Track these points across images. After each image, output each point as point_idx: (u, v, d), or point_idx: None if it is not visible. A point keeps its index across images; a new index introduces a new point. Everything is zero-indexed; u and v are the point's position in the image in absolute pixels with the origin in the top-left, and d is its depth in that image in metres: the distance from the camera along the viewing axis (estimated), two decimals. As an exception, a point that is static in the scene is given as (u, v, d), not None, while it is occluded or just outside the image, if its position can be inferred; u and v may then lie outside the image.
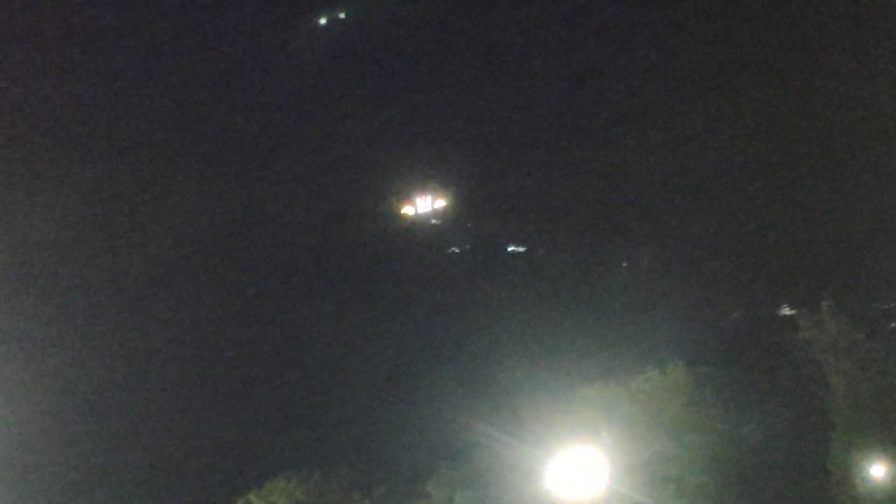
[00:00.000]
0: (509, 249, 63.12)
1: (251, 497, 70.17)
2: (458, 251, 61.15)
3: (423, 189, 61.10)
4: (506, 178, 73.29)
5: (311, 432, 77.40)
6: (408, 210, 61.68)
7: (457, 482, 60.28)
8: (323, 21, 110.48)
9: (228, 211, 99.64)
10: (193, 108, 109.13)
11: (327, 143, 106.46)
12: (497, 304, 65.66)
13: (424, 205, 60.52)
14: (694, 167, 70.76)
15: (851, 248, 67.15)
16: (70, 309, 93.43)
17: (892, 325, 61.86)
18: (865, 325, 55.07)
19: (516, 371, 59.11)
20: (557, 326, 61.98)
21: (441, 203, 60.74)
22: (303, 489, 68.49)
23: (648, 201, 65.59)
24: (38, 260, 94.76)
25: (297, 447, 74.07)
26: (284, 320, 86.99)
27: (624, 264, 64.29)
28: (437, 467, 61.69)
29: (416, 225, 61.04)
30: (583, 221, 67.07)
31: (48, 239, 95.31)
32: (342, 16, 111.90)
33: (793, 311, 63.00)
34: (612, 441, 52.23)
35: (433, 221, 60.41)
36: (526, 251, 62.71)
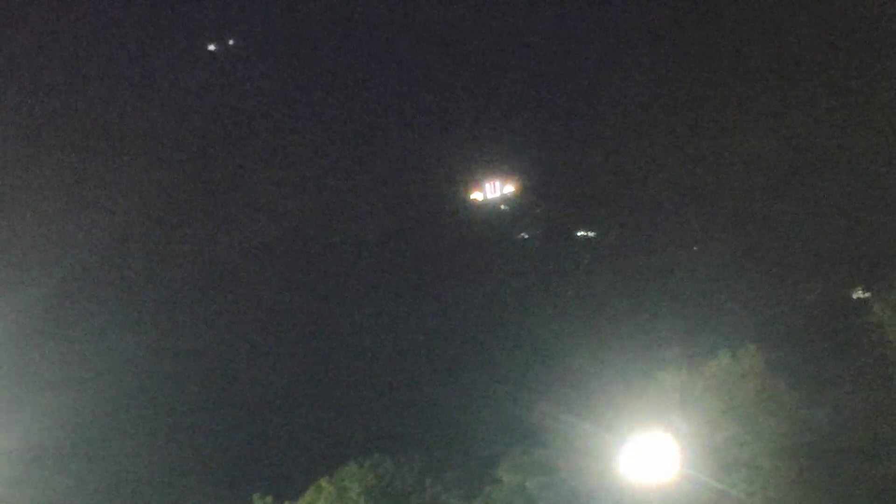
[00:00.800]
0: (578, 234, 63.85)
1: (323, 482, 71.55)
2: (526, 236, 61.79)
3: (493, 175, 61.95)
4: (576, 162, 74.94)
5: (383, 418, 79.27)
6: (476, 196, 62.67)
7: (529, 467, 60.67)
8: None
9: (311, 202, 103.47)
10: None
11: (401, 135, 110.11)
12: (568, 289, 66.56)
13: (493, 190, 61.32)
14: (765, 150, 71.35)
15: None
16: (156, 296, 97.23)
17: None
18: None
19: (589, 356, 59.43)
20: (629, 311, 62.60)
21: (510, 189, 61.42)
22: (374, 474, 69.51)
23: (719, 184, 66.25)
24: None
25: (370, 433, 75.92)
26: (360, 305, 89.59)
27: (695, 248, 64.74)
28: (509, 452, 62.26)
29: (485, 210, 61.84)
30: (653, 205, 67.80)
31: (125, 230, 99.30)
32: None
33: (866, 294, 62.83)
34: (685, 426, 51.86)
35: (502, 207, 61.10)
36: (596, 235, 63.25)
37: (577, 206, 66.38)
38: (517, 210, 60.49)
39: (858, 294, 66.40)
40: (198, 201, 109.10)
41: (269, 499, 74.33)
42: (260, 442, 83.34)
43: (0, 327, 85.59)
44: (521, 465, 60.81)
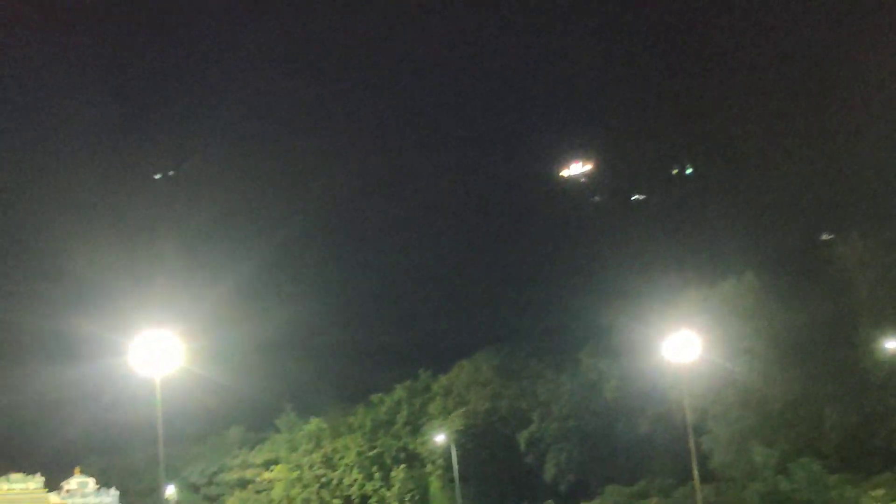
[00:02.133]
0: (633, 198, 78.61)
1: (464, 363, 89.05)
2: (598, 199, 76.15)
3: (575, 157, 74.49)
4: (630, 148, 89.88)
5: (505, 319, 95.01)
6: (565, 172, 75.13)
7: (601, 352, 75.86)
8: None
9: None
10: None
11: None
12: (626, 234, 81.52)
13: (577, 168, 74.30)
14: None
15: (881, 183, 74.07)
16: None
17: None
18: (885, 247, 64.70)
19: (638, 277, 73.32)
20: (667, 248, 76.25)
21: (588, 167, 73.40)
22: (497, 357, 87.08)
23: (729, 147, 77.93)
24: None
25: (497, 329, 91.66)
26: (497, 249, 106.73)
27: (709, 207, 77.38)
28: (588, 342, 77.46)
29: (571, 181, 75.21)
30: (684, 179, 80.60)
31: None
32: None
33: (830, 237, 73.73)
34: (705, 324, 60.61)
35: (582, 180, 74.37)
36: (645, 198, 77.55)
37: (632, 178, 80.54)
38: (592, 181, 73.61)
39: (824, 237, 75.59)
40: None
41: (428, 372, 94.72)
42: (424, 333, 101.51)
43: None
44: (595, 350, 75.72)
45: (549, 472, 75.44)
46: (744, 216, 74.55)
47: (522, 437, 77.05)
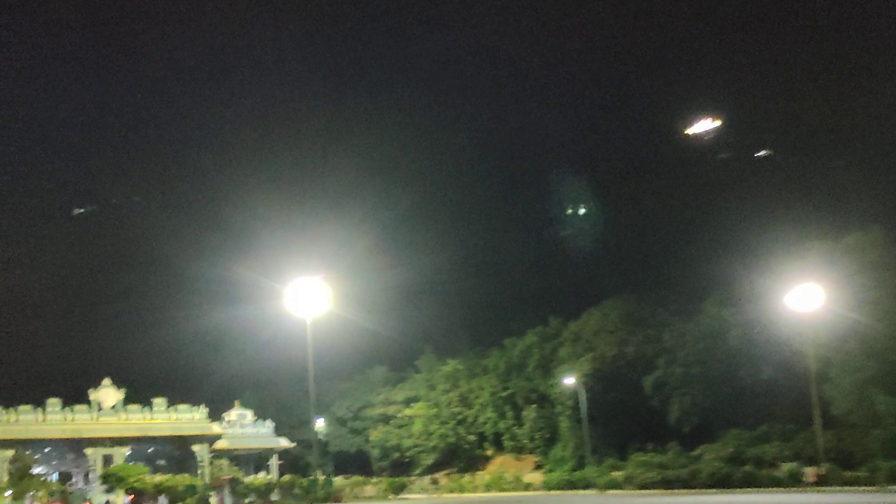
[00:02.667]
0: (756, 154, 78.53)
1: (593, 311, 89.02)
2: (723, 156, 76.68)
3: (702, 115, 75.16)
4: (760, 100, 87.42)
5: (633, 267, 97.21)
6: (690, 130, 75.84)
7: (725, 302, 77.45)
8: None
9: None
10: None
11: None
12: (751, 188, 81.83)
13: (702, 125, 74.92)
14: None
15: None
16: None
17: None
18: None
19: (763, 231, 73.32)
20: (792, 201, 76.76)
21: (715, 124, 73.81)
22: (625, 306, 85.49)
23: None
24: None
25: (624, 277, 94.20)
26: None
27: (835, 161, 76.64)
28: (712, 292, 79.10)
29: (697, 139, 76.00)
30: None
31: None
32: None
33: None
34: (828, 277, 64.70)
35: (705, 137, 75.05)
36: (769, 153, 77.43)
37: (756, 135, 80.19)
38: (718, 138, 73.65)
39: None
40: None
41: (559, 319, 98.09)
42: (555, 283, 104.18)
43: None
44: (720, 300, 77.40)
45: (673, 414, 77.77)
46: (870, 170, 73.54)
47: (648, 382, 79.27)
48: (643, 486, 70.55)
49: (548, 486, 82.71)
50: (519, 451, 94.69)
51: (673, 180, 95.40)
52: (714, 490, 63.12)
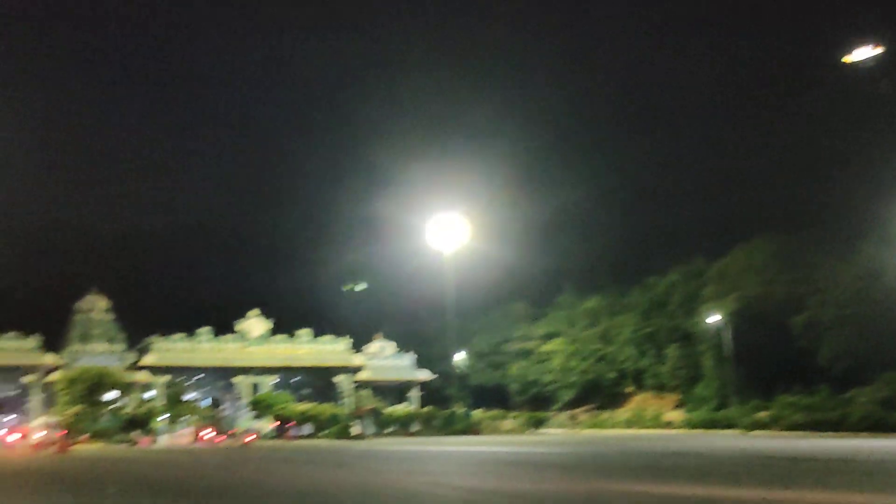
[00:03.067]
0: None
1: (739, 249, 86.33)
2: (885, 86, 72.32)
3: (859, 42, 71.40)
4: None
5: (783, 204, 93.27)
6: (848, 57, 72.45)
7: (883, 241, 73.02)
8: None
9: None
10: None
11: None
12: None
13: (861, 52, 71.35)
14: None
15: None
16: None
17: None
18: None
19: None
20: None
21: (877, 51, 70.11)
22: (774, 244, 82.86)
23: None
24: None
25: (771, 215, 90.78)
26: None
27: None
28: (867, 231, 75.35)
29: (854, 67, 72.36)
30: None
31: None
32: None
33: None
34: None
35: (866, 65, 71.32)
36: None
37: None
38: (878, 67, 70.22)
39: None
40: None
41: (703, 258, 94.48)
42: (699, 219, 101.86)
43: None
44: (876, 239, 73.84)
45: (824, 356, 74.86)
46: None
47: (797, 322, 76.32)
48: (789, 428, 68.39)
49: (689, 425, 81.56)
50: (659, 389, 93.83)
51: (828, 113, 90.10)
52: (866, 434, 60.47)
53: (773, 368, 77.55)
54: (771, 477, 25.86)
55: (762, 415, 74.39)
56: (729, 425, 76.74)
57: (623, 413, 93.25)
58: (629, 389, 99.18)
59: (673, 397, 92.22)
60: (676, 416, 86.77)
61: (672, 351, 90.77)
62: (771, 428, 71.72)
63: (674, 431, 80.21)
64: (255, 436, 77.29)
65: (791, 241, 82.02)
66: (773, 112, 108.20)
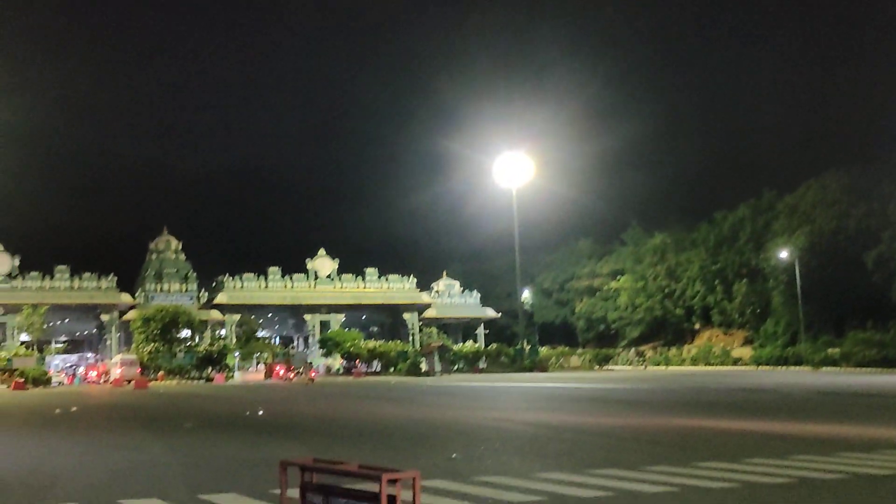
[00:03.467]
0: None
1: (811, 182, 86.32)
2: None
3: None
4: None
5: (856, 136, 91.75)
6: None
7: None
8: None
9: None
10: None
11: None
12: None
13: None
14: None
15: None
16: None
17: None
18: None
19: None
20: None
21: None
22: (847, 177, 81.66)
23: None
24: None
25: (844, 148, 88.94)
26: None
27: None
28: None
29: None
30: None
31: None
32: None
33: None
34: None
35: None
36: None
37: None
38: None
39: None
40: None
41: (773, 192, 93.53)
42: (768, 152, 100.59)
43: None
44: None
45: (896, 292, 73.14)
46: None
47: (870, 257, 74.24)
48: (859, 365, 67.42)
49: (757, 362, 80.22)
50: (728, 325, 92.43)
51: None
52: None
53: (844, 304, 76.63)
54: (843, 413, 25.77)
55: (832, 351, 73.13)
56: (798, 362, 75.55)
57: (690, 349, 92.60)
58: (696, 326, 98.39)
59: (741, 334, 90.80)
60: (745, 352, 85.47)
61: (740, 287, 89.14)
62: (841, 365, 70.58)
63: (742, 368, 79.15)
64: (324, 372, 78.38)
65: (864, 173, 79.41)
66: (846, 41, 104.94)
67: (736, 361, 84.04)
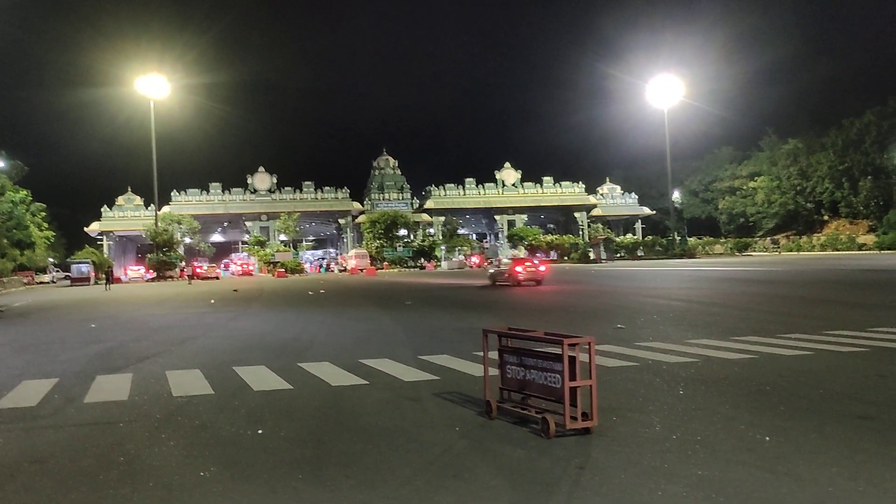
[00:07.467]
0: None
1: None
2: None
3: None
4: None
5: None
6: None
7: None
8: None
9: None
10: None
11: None
12: None
13: None
14: None
15: None
16: None
17: None
18: None
19: None
20: None
21: None
22: None
23: None
24: None
25: None
26: None
27: None
28: None
29: None
30: None
31: None
32: None
33: None
34: None
35: None
36: None
37: None
38: None
39: None
40: None
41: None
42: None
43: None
44: None
45: None
46: None
47: None
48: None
49: (880, 247, 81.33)
50: (853, 217, 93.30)
51: None
52: None
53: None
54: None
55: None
56: (919, 247, 73.93)
57: (819, 238, 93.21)
58: (825, 217, 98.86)
59: (865, 223, 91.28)
60: (869, 239, 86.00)
61: (865, 184, 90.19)
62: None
63: (867, 252, 79.25)
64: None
65: None
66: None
67: (861, 247, 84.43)
